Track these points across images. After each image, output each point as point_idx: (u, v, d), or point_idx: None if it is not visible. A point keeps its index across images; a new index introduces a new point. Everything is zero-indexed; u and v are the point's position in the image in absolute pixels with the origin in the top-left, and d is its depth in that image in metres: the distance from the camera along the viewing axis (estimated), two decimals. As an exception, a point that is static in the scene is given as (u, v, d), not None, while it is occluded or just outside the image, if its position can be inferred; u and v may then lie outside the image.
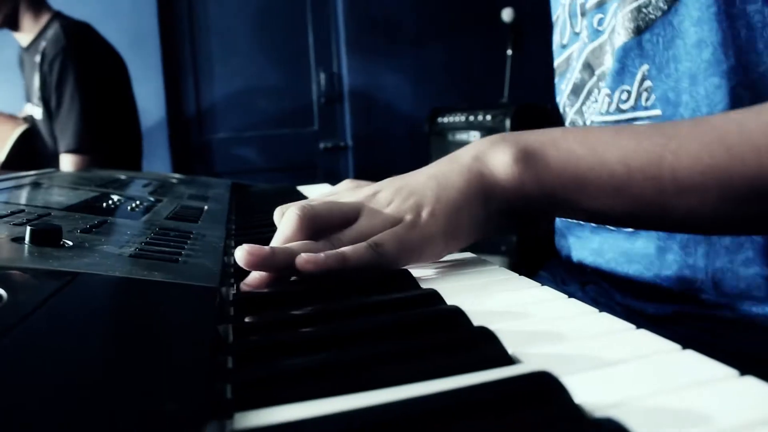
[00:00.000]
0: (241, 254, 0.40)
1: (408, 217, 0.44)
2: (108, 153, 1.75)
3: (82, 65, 1.71)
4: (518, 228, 0.49)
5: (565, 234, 0.78)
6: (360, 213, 0.46)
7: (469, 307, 0.33)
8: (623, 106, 0.61)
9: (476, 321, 0.31)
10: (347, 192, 0.51)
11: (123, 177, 1.05)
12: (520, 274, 0.43)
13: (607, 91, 0.62)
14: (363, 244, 0.42)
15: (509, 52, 2.36)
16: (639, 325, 0.68)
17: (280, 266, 0.41)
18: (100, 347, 0.24)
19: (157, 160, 2.81)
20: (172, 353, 0.25)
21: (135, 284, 0.34)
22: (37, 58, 1.73)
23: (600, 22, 0.66)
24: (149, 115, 2.74)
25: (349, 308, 0.33)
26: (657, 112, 0.58)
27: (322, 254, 0.40)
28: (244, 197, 1.04)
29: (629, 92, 0.60)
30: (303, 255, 0.40)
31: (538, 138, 0.47)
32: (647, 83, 0.58)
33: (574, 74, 0.72)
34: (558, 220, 0.78)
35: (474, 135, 2.09)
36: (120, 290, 0.33)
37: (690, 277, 0.59)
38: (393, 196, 0.46)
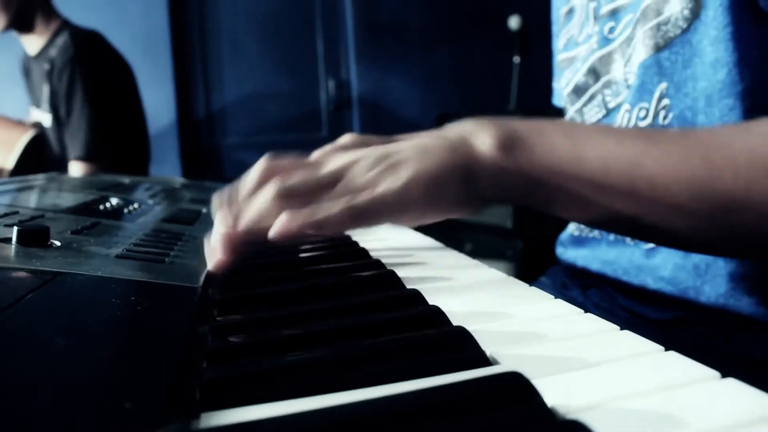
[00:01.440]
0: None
1: (388, 181, 0.44)
2: (116, 160, 1.75)
3: (90, 74, 1.72)
4: (501, 204, 0.49)
5: (566, 246, 0.77)
6: (340, 179, 0.46)
7: (451, 308, 0.33)
8: (641, 124, 0.60)
9: (457, 321, 0.30)
10: (332, 156, 0.49)
11: (126, 181, 1.06)
12: (524, 279, 0.42)
13: (627, 106, 0.62)
14: (338, 203, 0.42)
15: (516, 59, 2.35)
16: (642, 330, 0.67)
17: (256, 244, 0.43)
18: (64, 346, 0.24)
19: (167, 165, 2.82)
20: (137, 352, 0.25)
21: (114, 283, 0.34)
22: (46, 67, 1.74)
23: (611, 30, 0.65)
24: (159, 119, 2.76)
25: (329, 308, 0.32)
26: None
27: (294, 221, 0.41)
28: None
29: (647, 110, 0.59)
30: (275, 229, 0.41)
31: (525, 126, 0.47)
32: (665, 101, 0.57)
33: (576, 75, 0.72)
34: (565, 233, 0.78)
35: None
36: (97, 289, 0.32)
37: (693, 299, 0.58)
38: (375, 163, 0.45)
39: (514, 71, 2.37)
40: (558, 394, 0.22)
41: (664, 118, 0.57)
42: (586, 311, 0.70)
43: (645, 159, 0.42)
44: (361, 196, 0.43)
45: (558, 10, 0.81)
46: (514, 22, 2.25)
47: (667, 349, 0.26)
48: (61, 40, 1.74)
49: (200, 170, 2.96)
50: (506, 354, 0.26)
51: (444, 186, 0.45)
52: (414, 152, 0.45)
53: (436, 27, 3.07)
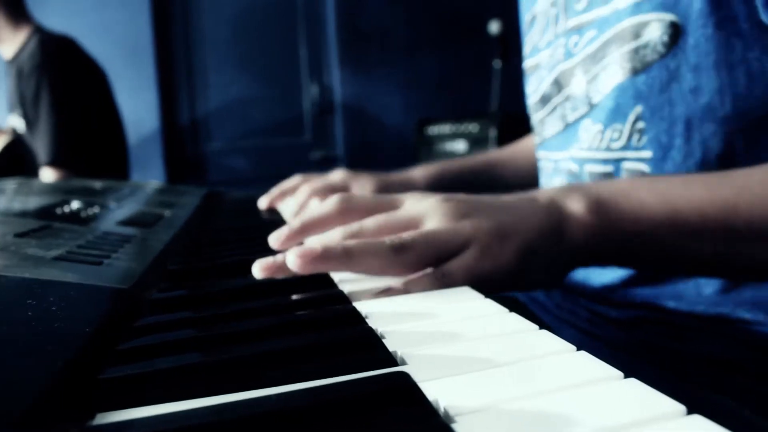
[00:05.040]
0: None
1: (482, 243, 0.41)
2: (89, 166, 1.73)
3: (57, 81, 1.70)
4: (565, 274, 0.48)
5: None
6: (417, 225, 0.43)
7: (378, 308, 0.32)
8: (613, 145, 0.61)
9: (381, 322, 0.30)
10: (409, 199, 0.47)
11: (97, 186, 1.05)
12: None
13: (600, 127, 0.62)
14: (429, 274, 0.40)
15: (497, 63, 2.36)
16: (603, 329, 0.66)
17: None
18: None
19: (152, 171, 2.81)
20: (35, 353, 0.24)
21: (36, 285, 0.33)
22: (15, 72, 1.73)
23: (575, 44, 0.65)
24: (143, 126, 2.75)
25: (251, 309, 0.32)
26: (648, 153, 0.57)
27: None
28: (217, 204, 1.03)
29: (621, 131, 0.60)
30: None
31: (609, 189, 0.48)
32: (640, 124, 0.57)
33: (542, 85, 0.72)
34: None
35: (460, 143, 2.09)
36: (15, 291, 0.32)
37: (652, 299, 0.59)
38: (470, 210, 0.43)
39: (495, 75, 2.38)
40: (454, 395, 0.22)
41: (638, 140, 0.58)
42: (548, 311, 0.70)
43: (738, 202, 0.44)
44: (452, 265, 0.40)
45: (523, 18, 0.82)
46: (494, 26, 2.27)
47: (579, 349, 0.26)
48: (30, 46, 1.72)
49: (185, 176, 2.95)
50: (416, 354, 0.26)
51: (537, 251, 0.43)
52: (509, 213, 0.44)
53: (418, 32, 3.07)
